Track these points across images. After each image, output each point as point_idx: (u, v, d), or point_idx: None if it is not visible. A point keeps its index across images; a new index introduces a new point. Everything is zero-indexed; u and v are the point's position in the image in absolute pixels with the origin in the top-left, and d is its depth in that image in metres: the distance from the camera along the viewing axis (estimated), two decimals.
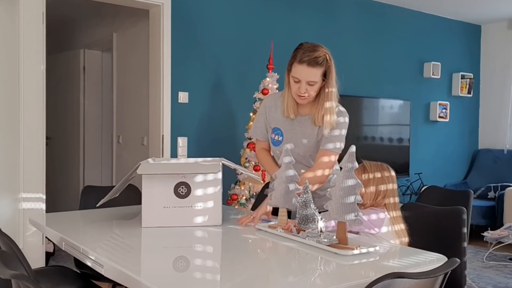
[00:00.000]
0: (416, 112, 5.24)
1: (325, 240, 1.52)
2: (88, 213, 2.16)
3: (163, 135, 3.68)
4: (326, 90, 1.99)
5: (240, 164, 3.61)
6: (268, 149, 2.22)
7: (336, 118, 2.03)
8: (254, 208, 2.65)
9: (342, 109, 2.07)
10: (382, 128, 4.95)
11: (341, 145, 2.04)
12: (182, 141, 3.78)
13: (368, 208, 1.88)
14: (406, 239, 1.85)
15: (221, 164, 1.89)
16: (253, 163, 3.57)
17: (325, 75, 1.97)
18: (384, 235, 1.83)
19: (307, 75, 1.94)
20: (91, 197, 2.34)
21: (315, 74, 1.95)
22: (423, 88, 5.36)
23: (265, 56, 3.89)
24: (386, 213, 1.85)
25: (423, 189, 3.06)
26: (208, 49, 3.91)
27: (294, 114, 2.08)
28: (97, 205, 2.09)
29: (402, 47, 5.15)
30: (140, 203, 1.85)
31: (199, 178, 1.84)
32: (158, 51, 3.68)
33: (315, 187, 1.99)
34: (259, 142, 2.23)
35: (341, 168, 1.54)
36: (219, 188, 1.86)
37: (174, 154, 3.74)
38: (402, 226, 1.87)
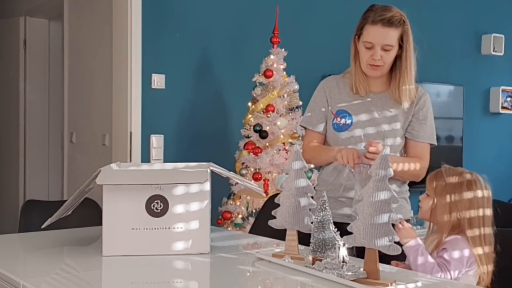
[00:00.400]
0: (471, 101, 5.24)
1: (349, 273, 1.52)
2: (30, 237, 2.16)
3: (131, 133, 3.68)
4: (405, 58, 2.19)
5: (234, 171, 3.60)
6: (321, 142, 2.34)
7: (424, 97, 2.28)
8: (252, 231, 2.65)
9: (423, 89, 2.32)
10: None
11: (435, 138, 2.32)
12: (156, 141, 3.77)
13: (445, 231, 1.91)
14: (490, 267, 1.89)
15: (209, 171, 1.89)
16: (252, 169, 3.57)
17: (401, 41, 2.18)
18: (465, 278, 1.86)
19: (382, 37, 2.14)
20: (34, 216, 2.33)
21: (392, 36, 2.15)
22: (480, 69, 5.36)
23: (268, 26, 3.89)
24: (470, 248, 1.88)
25: None
26: (192, 17, 3.90)
27: (365, 90, 2.24)
28: (43, 226, 2.09)
29: (452, 15, 5.15)
30: (100, 224, 1.85)
31: (180, 190, 1.84)
32: (125, 20, 3.68)
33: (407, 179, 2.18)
34: (311, 134, 2.34)
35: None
36: (206, 203, 1.86)
37: (146, 158, 3.73)
38: (489, 268, 1.89)
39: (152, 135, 3.76)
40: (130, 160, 3.67)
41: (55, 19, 5.11)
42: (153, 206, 1.83)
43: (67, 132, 4.57)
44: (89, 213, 2.39)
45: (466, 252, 1.90)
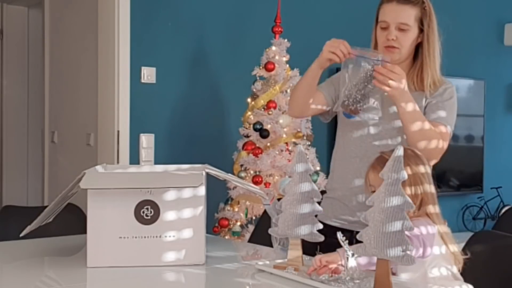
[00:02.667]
0: (493, 97, 5.25)
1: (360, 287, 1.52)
2: (7, 246, 2.16)
3: (118, 131, 3.68)
4: (427, 43, 2.22)
5: (232, 174, 3.61)
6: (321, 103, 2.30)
7: (447, 86, 2.27)
8: (252, 239, 2.65)
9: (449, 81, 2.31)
10: None
11: (452, 127, 2.24)
12: (146, 140, 3.78)
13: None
14: (460, 266, 1.86)
15: (204, 173, 1.90)
16: (251, 172, 3.57)
17: (421, 24, 2.20)
18: (439, 259, 1.83)
19: (396, 14, 2.16)
20: (11, 223, 2.33)
21: (408, 14, 2.17)
22: (503, 61, 5.36)
23: (270, 14, 3.89)
24: (434, 225, 1.86)
25: (503, 210, 3.06)
26: (185, 4, 3.90)
27: None
28: (21, 235, 2.09)
29: (472, 2, 5.15)
30: (85, 232, 1.85)
31: (172, 194, 1.84)
32: (111, 8, 3.68)
33: (422, 142, 2.10)
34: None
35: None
36: (201, 209, 1.86)
37: (135, 159, 3.74)
38: (455, 247, 1.87)
39: (141, 134, 3.76)
40: (118, 162, 3.67)
41: (35, 7, 5.11)
42: (143, 212, 1.83)
43: (48, 131, 4.57)
44: (72, 220, 2.39)
45: (433, 229, 1.86)
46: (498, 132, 5.32)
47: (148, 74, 3.77)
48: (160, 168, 2.23)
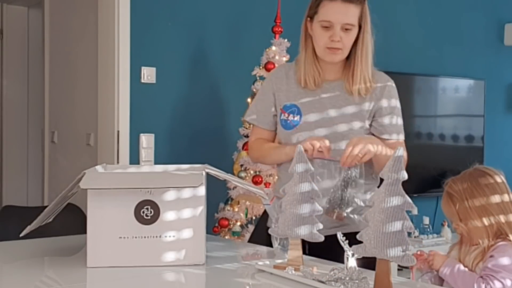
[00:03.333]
0: (493, 97, 5.24)
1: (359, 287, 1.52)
2: (7, 246, 2.16)
3: (118, 131, 3.69)
4: (361, 41, 2.11)
5: (232, 174, 3.61)
6: (271, 140, 2.29)
7: (386, 84, 2.18)
8: (252, 239, 2.65)
9: (387, 77, 2.21)
10: (442, 120, 4.95)
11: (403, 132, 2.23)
12: (146, 140, 3.78)
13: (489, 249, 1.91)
14: None
15: (204, 173, 1.90)
16: (251, 172, 3.57)
17: (360, 22, 2.11)
18: None
19: (343, 14, 2.06)
20: (12, 223, 2.33)
21: (353, 13, 2.08)
22: (503, 61, 5.36)
23: (270, 14, 3.89)
24: None
25: None
26: (185, 4, 3.90)
27: (316, 82, 2.16)
28: (21, 235, 2.09)
29: (472, 2, 5.15)
30: (85, 232, 1.86)
31: (172, 194, 1.84)
32: (111, 7, 3.68)
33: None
34: (257, 130, 2.29)
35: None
36: (201, 209, 1.86)
37: (135, 159, 3.74)
38: None
39: (141, 134, 3.76)
40: (118, 162, 3.67)
41: (35, 7, 5.11)
42: (143, 212, 1.83)
43: (48, 131, 4.57)
44: (72, 220, 2.39)
45: None
46: (498, 132, 5.32)
47: (148, 74, 3.77)
48: (160, 168, 2.23)
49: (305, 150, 1.93)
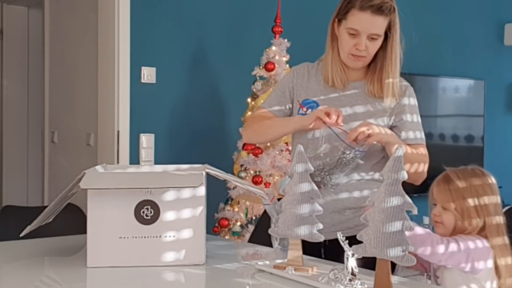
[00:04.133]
0: (493, 97, 5.25)
1: (359, 287, 1.52)
2: (7, 246, 2.16)
3: (118, 131, 3.69)
4: (390, 48, 2.16)
5: (232, 174, 3.61)
6: None
7: (409, 90, 2.24)
8: (252, 239, 2.65)
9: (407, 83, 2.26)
10: (442, 120, 4.95)
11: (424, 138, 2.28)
12: (146, 140, 3.78)
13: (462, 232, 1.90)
14: None
15: (204, 173, 1.90)
16: (251, 172, 3.57)
17: (388, 30, 2.15)
18: (483, 275, 1.85)
19: (370, 25, 2.09)
20: (11, 223, 2.33)
21: (381, 25, 2.12)
22: (503, 61, 5.37)
23: (270, 14, 3.89)
24: (486, 242, 1.88)
25: (503, 210, 3.04)
26: (186, 4, 3.91)
27: (342, 82, 2.20)
28: (21, 235, 2.09)
29: (472, 2, 5.15)
30: (85, 232, 1.86)
31: (172, 194, 1.84)
32: (111, 7, 3.69)
33: (413, 168, 2.13)
34: (263, 111, 2.29)
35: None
36: (201, 209, 1.86)
37: (135, 159, 3.74)
38: (508, 260, 1.88)
39: (141, 134, 3.76)
40: (118, 162, 3.67)
41: (35, 7, 5.11)
42: (143, 212, 1.83)
43: (48, 131, 4.57)
44: (72, 220, 2.39)
45: (489, 264, 1.89)
46: (498, 132, 5.32)
47: (148, 74, 3.77)
48: (159, 168, 2.23)
49: (319, 118, 2.00)
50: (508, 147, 5.38)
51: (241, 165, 3.60)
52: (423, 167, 2.18)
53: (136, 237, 1.82)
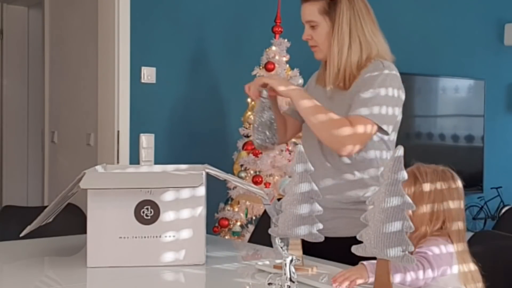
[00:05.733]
0: (493, 97, 5.25)
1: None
2: (7, 246, 2.16)
3: (118, 131, 3.69)
4: (336, 34, 2.12)
5: (232, 174, 3.61)
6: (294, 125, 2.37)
7: (375, 73, 2.08)
8: (252, 239, 2.65)
9: (385, 63, 2.12)
10: (442, 120, 4.95)
11: (382, 115, 2.04)
12: (146, 140, 3.78)
13: (423, 238, 1.88)
14: (479, 285, 1.85)
15: (204, 174, 1.90)
16: (251, 172, 3.57)
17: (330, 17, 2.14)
18: (448, 280, 1.83)
19: (303, 14, 2.18)
20: (12, 223, 2.33)
21: (310, 11, 2.15)
22: (503, 61, 5.36)
23: (270, 14, 3.89)
24: (453, 245, 1.85)
25: (503, 211, 3.07)
26: (186, 4, 3.90)
27: (323, 81, 2.21)
28: (21, 235, 2.09)
29: (472, 2, 5.15)
30: (85, 232, 1.86)
31: (172, 195, 1.84)
32: (111, 8, 3.68)
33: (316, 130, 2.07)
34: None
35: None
36: (200, 209, 1.86)
37: (135, 159, 3.74)
38: (471, 266, 1.87)
39: (141, 134, 3.76)
40: (118, 162, 3.67)
41: (35, 7, 5.11)
42: (143, 212, 1.83)
43: (48, 131, 4.57)
44: (72, 220, 2.39)
45: (449, 248, 1.86)
46: (498, 132, 5.32)
47: (148, 74, 3.77)
48: (159, 168, 2.23)
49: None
50: (508, 147, 5.38)
51: (241, 165, 3.60)
52: (332, 130, 2.05)
53: (136, 237, 1.83)
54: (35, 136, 5.16)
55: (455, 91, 4.96)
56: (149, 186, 1.83)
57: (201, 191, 1.86)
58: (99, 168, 2.06)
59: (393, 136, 2.16)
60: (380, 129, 2.06)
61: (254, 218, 3.55)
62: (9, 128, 5.28)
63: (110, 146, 3.71)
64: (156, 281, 1.73)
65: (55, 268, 1.89)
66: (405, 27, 4.76)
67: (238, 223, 3.57)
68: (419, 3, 4.85)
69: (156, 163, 3.74)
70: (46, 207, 2.07)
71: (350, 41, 2.11)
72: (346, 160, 2.11)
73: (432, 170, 1.96)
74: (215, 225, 3.58)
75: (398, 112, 2.11)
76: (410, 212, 1.83)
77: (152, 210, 1.83)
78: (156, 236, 1.83)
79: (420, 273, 1.74)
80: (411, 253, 1.67)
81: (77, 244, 2.13)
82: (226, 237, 3.52)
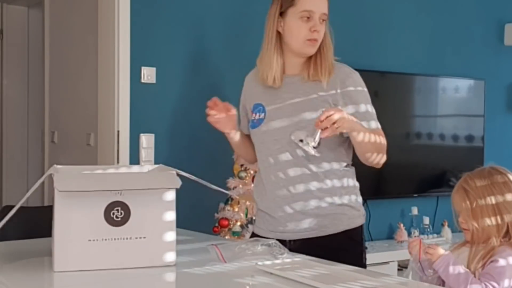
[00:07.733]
0: (493, 97, 5.24)
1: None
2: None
3: (118, 131, 3.68)
4: (328, 32, 2.19)
5: (233, 174, 3.61)
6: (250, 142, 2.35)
7: (349, 74, 2.17)
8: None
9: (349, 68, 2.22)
10: (442, 120, 4.94)
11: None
12: (146, 140, 3.77)
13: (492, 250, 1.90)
14: None
15: (175, 173, 1.87)
16: (251, 172, 3.57)
17: None
18: None
19: (321, 4, 2.13)
20: (11, 223, 2.32)
21: (325, 4, 2.17)
22: (503, 61, 5.36)
23: None
24: None
25: None
26: (186, 4, 3.90)
27: (277, 78, 2.19)
28: None
29: (472, 1, 5.15)
30: (50, 235, 1.84)
31: (142, 196, 1.81)
32: (112, 7, 3.68)
33: (376, 156, 2.09)
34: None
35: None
36: (171, 210, 1.84)
37: (135, 159, 3.73)
38: None
39: (141, 134, 3.76)
40: (118, 162, 3.67)
41: (35, 6, 5.11)
42: (113, 214, 1.79)
43: (48, 131, 4.57)
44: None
45: None
46: (498, 132, 5.31)
47: (148, 74, 3.77)
48: (125, 169, 2.21)
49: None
50: (508, 147, 5.38)
51: (241, 165, 3.59)
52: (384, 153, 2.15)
53: (106, 239, 1.79)
54: (35, 136, 5.16)
55: (455, 91, 4.96)
56: (120, 187, 1.78)
57: (172, 192, 1.84)
58: (59, 167, 2.02)
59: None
60: None
61: (254, 218, 3.54)
62: (9, 128, 5.28)
63: (110, 146, 3.71)
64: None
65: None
66: (405, 27, 4.76)
67: (238, 223, 3.56)
68: (419, 3, 4.85)
69: (156, 163, 3.74)
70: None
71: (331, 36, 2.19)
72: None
73: (479, 175, 1.99)
74: (215, 225, 3.58)
75: None
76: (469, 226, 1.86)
77: (122, 211, 1.80)
78: (127, 238, 1.80)
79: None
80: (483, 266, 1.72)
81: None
82: (226, 237, 3.52)
